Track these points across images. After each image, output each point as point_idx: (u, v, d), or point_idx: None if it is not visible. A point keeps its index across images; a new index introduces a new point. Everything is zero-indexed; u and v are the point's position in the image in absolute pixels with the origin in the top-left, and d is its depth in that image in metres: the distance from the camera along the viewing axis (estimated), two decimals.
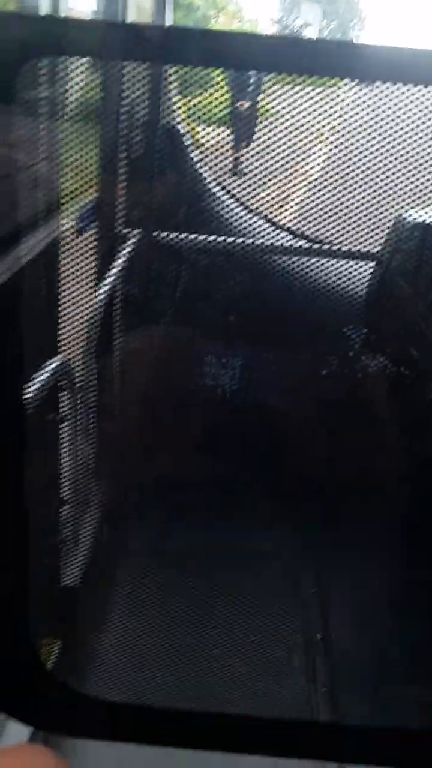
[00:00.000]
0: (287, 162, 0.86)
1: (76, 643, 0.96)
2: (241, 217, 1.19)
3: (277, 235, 1.16)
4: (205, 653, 1.01)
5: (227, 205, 1.20)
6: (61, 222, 0.97)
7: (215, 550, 1.13)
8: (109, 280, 1.11)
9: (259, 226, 1.16)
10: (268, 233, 1.15)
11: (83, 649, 0.96)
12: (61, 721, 0.81)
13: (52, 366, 0.90)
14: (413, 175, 0.84)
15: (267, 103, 0.84)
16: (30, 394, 0.66)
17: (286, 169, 0.87)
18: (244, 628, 1.05)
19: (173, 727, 0.88)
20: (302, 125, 0.80)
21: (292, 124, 0.80)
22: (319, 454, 1.08)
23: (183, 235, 1.16)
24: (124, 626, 1.01)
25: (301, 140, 0.82)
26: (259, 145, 0.86)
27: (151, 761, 1.35)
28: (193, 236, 1.16)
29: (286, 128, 0.82)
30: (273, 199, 0.98)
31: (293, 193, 0.97)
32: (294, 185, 0.93)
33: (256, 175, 0.90)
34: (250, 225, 1.15)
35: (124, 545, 1.16)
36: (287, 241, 1.14)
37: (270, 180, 0.91)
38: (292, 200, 1.02)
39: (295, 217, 1.03)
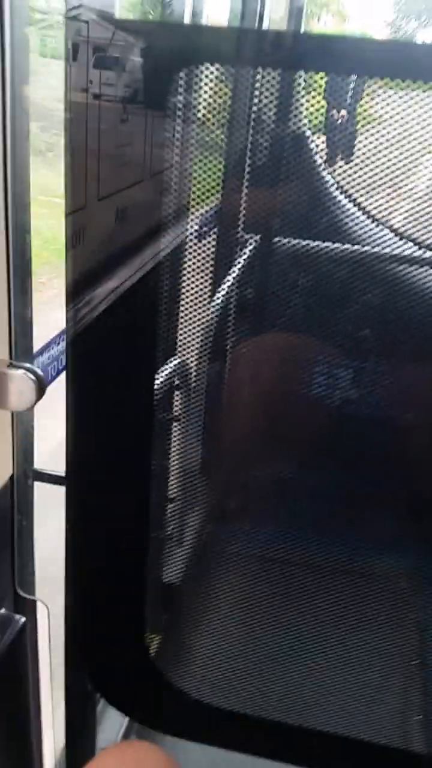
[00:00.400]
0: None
1: (183, 645, 0.97)
2: (364, 227, 1.17)
3: (401, 245, 1.13)
4: (303, 667, 1.00)
5: (351, 214, 1.18)
6: (187, 226, 0.99)
7: (318, 561, 1.11)
8: (227, 284, 1.12)
9: (383, 235, 1.14)
10: (392, 243, 1.12)
11: (189, 653, 0.97)
12: (165, 719, 0.82)
13: (172, 365, 0.92)
14: None
15: (369, 108, 0.82)
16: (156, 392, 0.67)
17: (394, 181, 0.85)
18: (347, 647, 1.02)
19: (267, 738, 0.87)
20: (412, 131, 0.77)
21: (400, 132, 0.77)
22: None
23: (303, 242, 1.15)
24: (226, 631, 1.01)
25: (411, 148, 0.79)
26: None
27: (239, 764, 1.34)
28: (313, 243, 1.15)
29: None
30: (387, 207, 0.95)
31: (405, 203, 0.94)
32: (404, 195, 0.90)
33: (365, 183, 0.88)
34: (372, 234, 1.13)
35: (231, 548, 1.16)
36: (411, 251, 1.11)
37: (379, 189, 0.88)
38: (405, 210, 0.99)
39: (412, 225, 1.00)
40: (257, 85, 0.91)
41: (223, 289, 1.12)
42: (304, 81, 1.05)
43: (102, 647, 0.73)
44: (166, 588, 1.05)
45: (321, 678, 0.96)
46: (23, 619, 0.78)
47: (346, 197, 1.16)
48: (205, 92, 0.72)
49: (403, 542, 1.10)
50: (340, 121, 1.10)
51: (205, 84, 0.67)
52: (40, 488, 0.78)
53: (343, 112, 1.08)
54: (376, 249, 1.10)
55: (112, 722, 1.23)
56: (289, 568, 1.08)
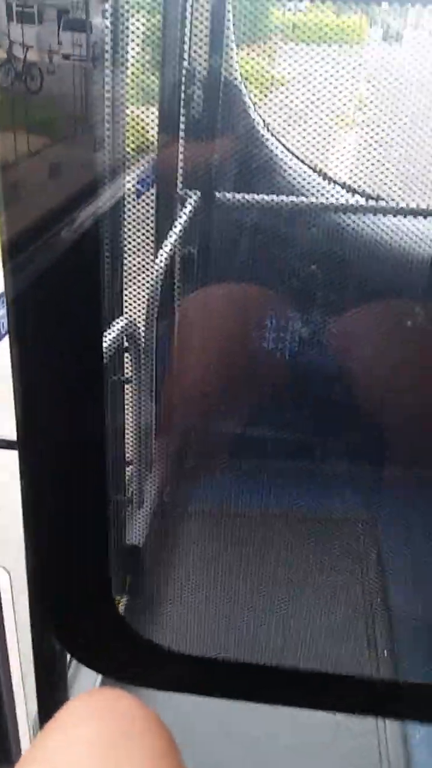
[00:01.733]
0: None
1: (148, 599, 0.99)
2: (302, 175, 1.16)
3: (338, 193, 1.13)
4: (268, 610, 1.03)
5: (286, 163, 1.18)
6: (126, 182, 0.97)
7: (276, 512, 1.14)
8: (170, 241, 1.10)
9: (319, 183, 1.13)
10: (329, 191, 1.12)
11: (155, 605, 0.99)
12: (133, 671, 0.83)
13: (119, 326, 0.91)
14: None
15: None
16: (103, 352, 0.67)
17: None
18: (307, 589, 1.06)
19: (237, 680, 0.89)
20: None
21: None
22: (390, 416, 1.06)
23: (243, 195, 1.14)
24: (191, 581, 1.02)
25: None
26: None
27: (215, 714, 1.38)
28: (253, 195, 1.14)
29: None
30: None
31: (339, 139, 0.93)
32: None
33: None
34: (310, 183, 1.13)
35: (187, 505, 1.18)
36: (347, 198, 1.11)
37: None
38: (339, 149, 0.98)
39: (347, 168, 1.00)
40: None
41: (166, 246, 1.10)
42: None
43: (67, 607, 0.74)
44: (128, 546, 1.06)
45: (285, 619, 0.99)
46: None
47: (279, 144, 1.15)
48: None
49: (358, 488, 1.13)
50: None
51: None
52: None
53: None
54: (313, 199, 1.10)
55: (84, 684, 1.25)
56: (250, 519, 1.10)
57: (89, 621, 0.74)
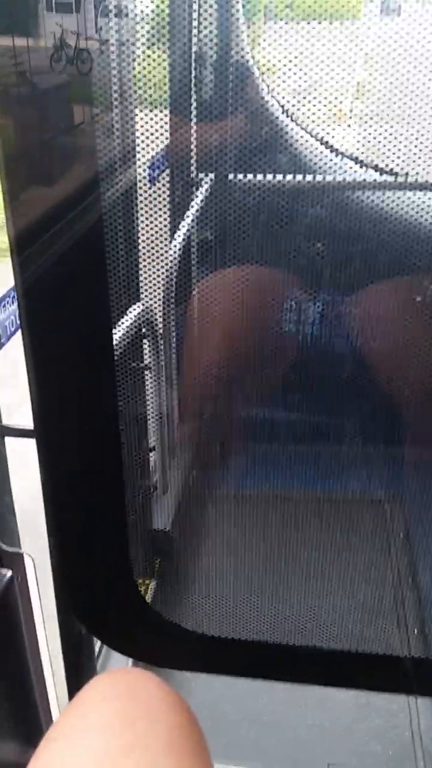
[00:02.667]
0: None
1: (172, 582, 1.00)
2: (318, 154, 1.15)
3: (358, 170, 1.11)
4: (295, 590, 1.03)
5: (300, 142, 1.16)
6: (137, 168, 0.97)
7: (300, 493, 1.14)
8: (185, 226, 1.10)
9: (338, 162, 1.12)
10: (349, 169, 1.10)
11: (179, 588, 1.00)
12: (157, 653, 0.85)
13: (135, 312, 0.91)
14: None
15: None
16: (116, 340, 0.67)
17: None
18: (334, 568, 1.05)
19: (264, 661, 0.90)
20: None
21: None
22: (412, 396, 1.05)
23: (257, 176, 1.13)
24: (215, 566, 1.03)
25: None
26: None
27: (240, 694, 1.40)
28: (267, 177, 1.13)
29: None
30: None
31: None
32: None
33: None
34: (327, 162, 1.11)
35: (212, 489, 1.18)
36: (368, 176, 1.09)
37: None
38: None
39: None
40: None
41: (182, 231, 1.10)
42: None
43: (90, 591, 0.75)
44: (154, 531, 1.07)
45: (313, 599, 1.00)
46: (9, 573, 0.79)
47: (295, 124, 1.13)
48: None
49: (381, 469, 1.13)
50: None
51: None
52: (16, 441, 0.79)
53: None
54: (330, 177, 1.08)
55: (115, 667, 1.27)
56: (275, 501, 1.11)
57: (112, 604, 0.75)
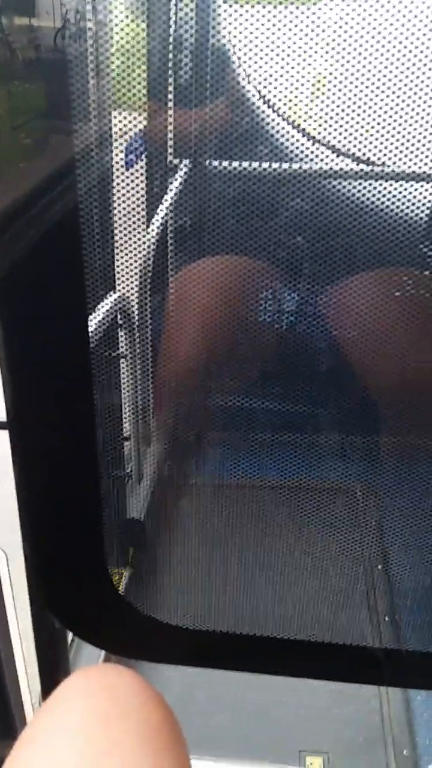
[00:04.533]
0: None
1: (146, 573, 0.99)
2: (295, 142, 1.14)
3: (335, 159, 1.10)
4: (266, 581, 1.03)
5: (279, 131, 1.15)
6: (112, 154, 0.95)
7: (275, 483, 1.14)
8: (162, 213, 1.09)
9: (315, 150, 1.11)
10: (325, 158, 1.10)
11: (153, 579, 0.99)
12: (132, 645, 0.84)
13: (110, 300, 0.90)
14: None
15: None
16: (91, 329, 0.66)
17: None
18: (307, 559, 1.06)
19: (238, 652, 0.90)
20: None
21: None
22: (387, 388, 1.06)
23: (234, 163, 1.12)
24: (189, 556, 1.03)
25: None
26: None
27: (215, 684, 1.40)
28: (244, 164, 1.12)
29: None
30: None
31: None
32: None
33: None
34: (304, 150, 1.11)
35: (187, 479, 1.18)
36: (345, 165, 1.09)
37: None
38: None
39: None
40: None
41: (158, 218, 1.09)
42: None
43: (64, 584, 0.74)
44: (128, 520, 1.06)
45: (286, 590, 1.00)
46: None
47: (272, 111, 1.12)
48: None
49: (354, 457, 1.13)
50: None
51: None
52: None
53: None
54: (308, 165, 1.08)
55: (87, 660, 1.26)
56: (250, 491, 1.11)
57: (86, 597, 0.74)
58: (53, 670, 0.85)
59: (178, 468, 1.19)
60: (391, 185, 1.04)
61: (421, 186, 1.04)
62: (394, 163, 1.00)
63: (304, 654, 0.95)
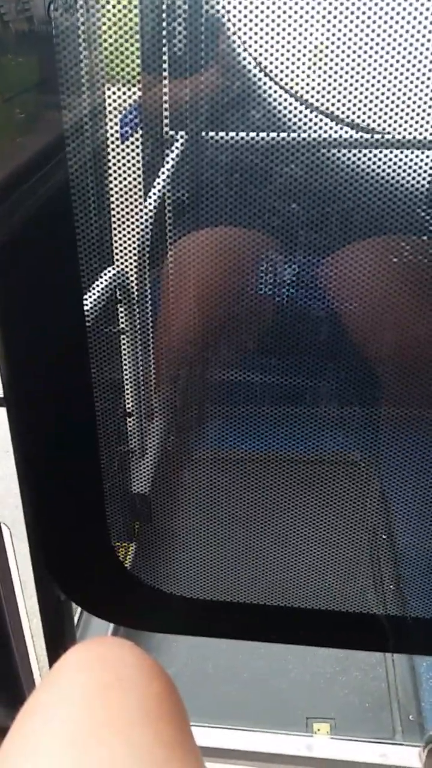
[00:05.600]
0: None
1: (151, 546, 1.00)
2: (293, 111, 1.12)
3: (334, 127, 1.09)
4: (271, 551, 1.04)
5: (277, 99, 1.13)
6: (107, 125, 0.94)
7: (277, 455, 1.14)
8: (158, 186, 1.07)
9: (313, 119, 1.09)
10: (324, 126, 1.08)
11: (158, 551, 1.00)
12: (139, 617, 0.85)
13: (109, 275, 0.89)
14: None
15: None
16: (90, 305, 0.66)
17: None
18: (312, 529, 1.07)
19: (244, 621, 0.91)
20: None
21: None
22: (387, 358, 1.05)
23: (231, 134, 1.10)
24: (194, 528, 1.04)
25: None
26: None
27: (221, 653, 1.42)
28: (241, 134, 1.10)
29: None
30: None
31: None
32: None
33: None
34: (302, 118, 1.09)
35: (190, 453, 1.18)
36: (344, 133, 1.07)
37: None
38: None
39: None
40: None
41: (155, 191, 1.08)
42: None
43: (68, 557, 0.75)
44: (132, 495, 1.07)
45: (292, 559, 1.01)
46: None
47: (270, 80, 1.10)
48: None
49: (356, 429, 1.13)
50: None
51: None
52: None
53: None
54: (306, 134, 1.06)
55: (96, 632, 1.28)
56: (254, 464, 1.11)
57: (90, 570, 0.75)
58: (60, 645, 0.86)
59: (180, 442, 1.19)
60: (391, 152, 1.03)
61: (422, 153, 1.02)
62: (395, 130, 0.98)
63: (310, 622, 0.96)
